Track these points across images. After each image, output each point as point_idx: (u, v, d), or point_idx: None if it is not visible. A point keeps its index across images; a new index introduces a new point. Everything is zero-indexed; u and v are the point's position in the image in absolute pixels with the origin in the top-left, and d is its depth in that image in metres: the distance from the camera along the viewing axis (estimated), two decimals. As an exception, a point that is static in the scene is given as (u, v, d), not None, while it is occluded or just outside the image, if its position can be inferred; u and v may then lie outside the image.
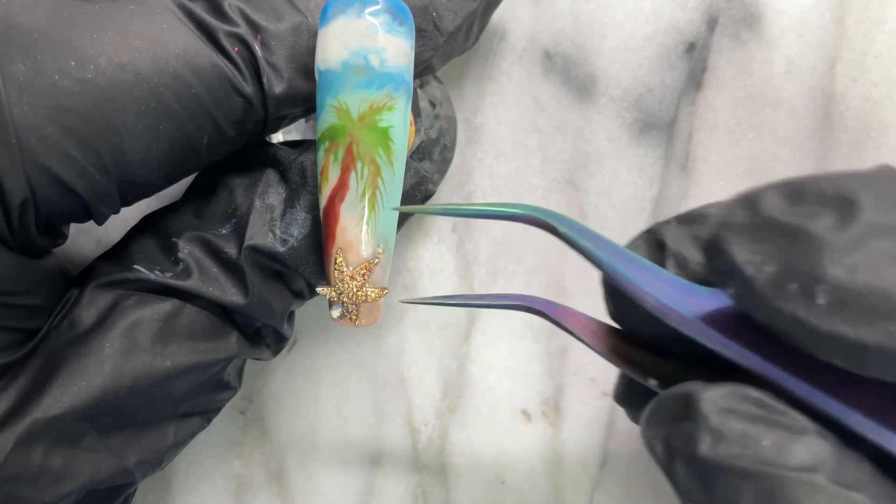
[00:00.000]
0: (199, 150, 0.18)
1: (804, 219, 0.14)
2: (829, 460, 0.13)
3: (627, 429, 0.26)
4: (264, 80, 0.18)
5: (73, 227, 0.24)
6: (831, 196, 0.14)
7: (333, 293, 0.19)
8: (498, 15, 0.26)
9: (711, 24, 0.26)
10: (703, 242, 0.16)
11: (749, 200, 0.15)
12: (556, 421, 0.26)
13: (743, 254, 0.14)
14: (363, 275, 0.18)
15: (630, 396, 0.19)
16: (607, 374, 0.26)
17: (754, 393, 0.14)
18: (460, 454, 0.26)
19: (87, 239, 0.25)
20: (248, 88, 0.18)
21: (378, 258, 0.18)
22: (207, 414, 0.20)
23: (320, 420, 0.26)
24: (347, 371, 0.26)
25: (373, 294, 0.19)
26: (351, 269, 0.18)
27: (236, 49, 0.18)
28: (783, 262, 0.13)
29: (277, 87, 0.18)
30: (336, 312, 0.19)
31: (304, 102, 0.19)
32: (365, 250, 0.18)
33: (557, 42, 0.26)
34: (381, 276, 0.19)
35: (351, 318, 0.19)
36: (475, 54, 0.26)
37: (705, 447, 0.14)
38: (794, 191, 0.14)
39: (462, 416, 0.26)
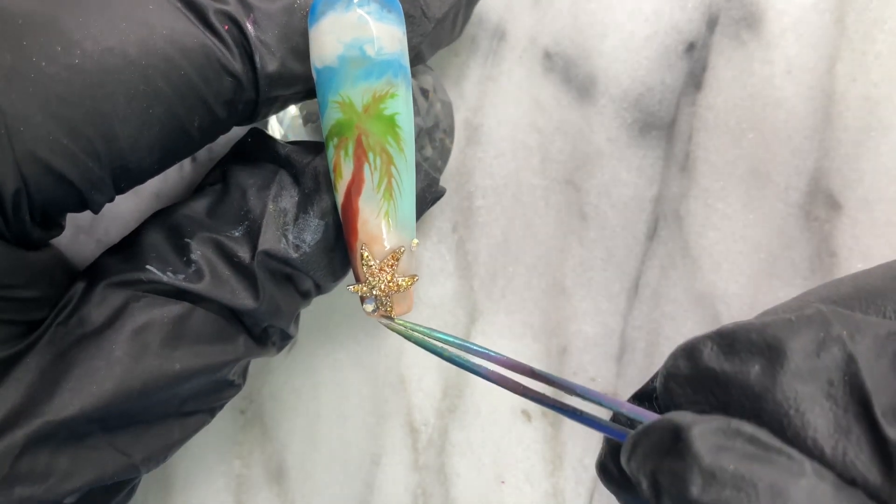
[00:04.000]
0: (190, 132, 0.18)
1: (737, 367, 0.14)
2: None
3: (627, 429, 0.26)
4: (257, 59, 0.18)
5: (74, 228, 0.24)
6: (760, 345, 0.14)
7: (366, 289, 0.19)
8: (498, 15, 0.26)
9: (711, 24, 0.26)
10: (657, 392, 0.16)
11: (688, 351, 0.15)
12: (556, 421, 0.26)
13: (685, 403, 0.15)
14: (392, 265, 0.18)
15: (613, 469, 0.18)
16: (607, 373, 0.26)
17: (748, 428, 0.13)
18: (460, 454, 0.26)
19: (87, 239, 0.25)
20: (238, 66, 0.18)
21: (403, 246, 0.19)
22: (212, 410, 0.20)
23: (320, 420, 0.26)
24: (347, 371, 0.26)
25: (404, 283, 0.19)
26: (378, 261, 0.18)
27: (226, 27, 0.17)
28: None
29: (270, 66, 0.18)
30: (370, 307, 0.19)
31: (296, 83, 0.19)
32: (388, 241, 0.18)
33: (557, 42, 0.26)
34: (408, 263, 0.19)
35: (387, 310, 0.19)
36: (475, 54, 0.26)
37: (696, 489, 0.13)
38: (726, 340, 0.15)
39: (462, 416, 0.26)
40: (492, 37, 0.26)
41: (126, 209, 0.21)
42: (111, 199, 0.18)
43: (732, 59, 0.25)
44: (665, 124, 0.26)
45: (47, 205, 0.17)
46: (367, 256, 0.18)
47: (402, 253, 0.18)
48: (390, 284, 0.19)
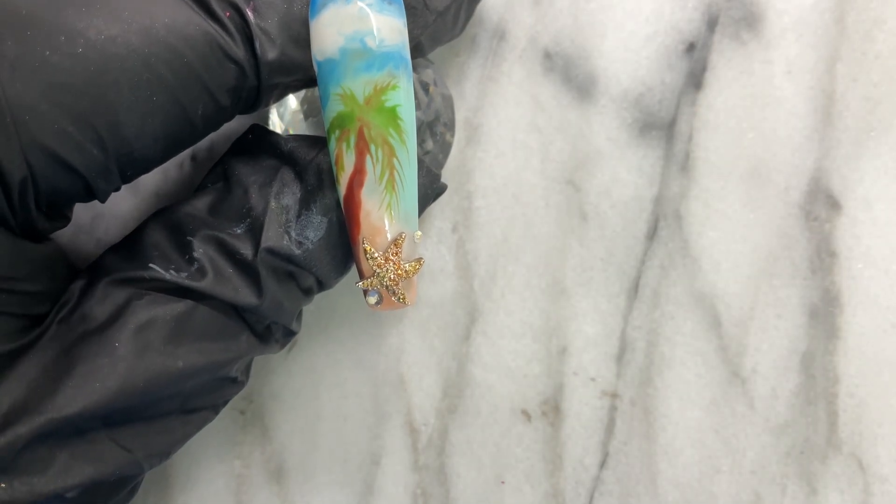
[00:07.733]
0: (194, 120, 0.18)
1: None
2: None
3: (627, 429, 0.26)
4: (257, 46, 0.18)
5: (73, 227, 0.24)
6: None
7: (376, 282, 0.19)
8: (498, 14, 0.26)
9: (711, 24, 0.26)
10: None
11: None
12: (556, 421, 0.26)
13: None
14: (396, 253, 0.19)
15: None
16: (607, 373, 0.26)
17: None
18: (460, 454, 0.26)
19: (87, 239, 0.25)
20: (240, 53, 0.18)
21: (403, 234, 0.19)
22: (215, 407, 0.20)
23: (320, 420, 0.26)
24: (347, 371, 0.26)
25: (411, 268, 0.19)
26: (382, 252, 0.18)
27: (227, 14, 0.18)
28: None
29: (270, 54, 0.18)
30: (373, 299, 0.19)
31: (296, 71, 0.19)
32: (391, 233, 0.18)
33: (557, 42, 0.26)
34: (410, 250, 0.19)
35: (400, 299, 0.19)
36: (475, 54, 0.26)
37: None
38: None
39: (462, 416, 0.26)
40: (492, 37, 0.26)
41: (126, 209, 0.21)
42: (117, 188, 0.18)
43: (732, 59, 0.25)
44: (665, 124, 0.26)
45: (53, 194, 0.17)
46: (371, 250, 0.18)
47: (404, 239, 0.19)
48: (399, 272, 0.19)
